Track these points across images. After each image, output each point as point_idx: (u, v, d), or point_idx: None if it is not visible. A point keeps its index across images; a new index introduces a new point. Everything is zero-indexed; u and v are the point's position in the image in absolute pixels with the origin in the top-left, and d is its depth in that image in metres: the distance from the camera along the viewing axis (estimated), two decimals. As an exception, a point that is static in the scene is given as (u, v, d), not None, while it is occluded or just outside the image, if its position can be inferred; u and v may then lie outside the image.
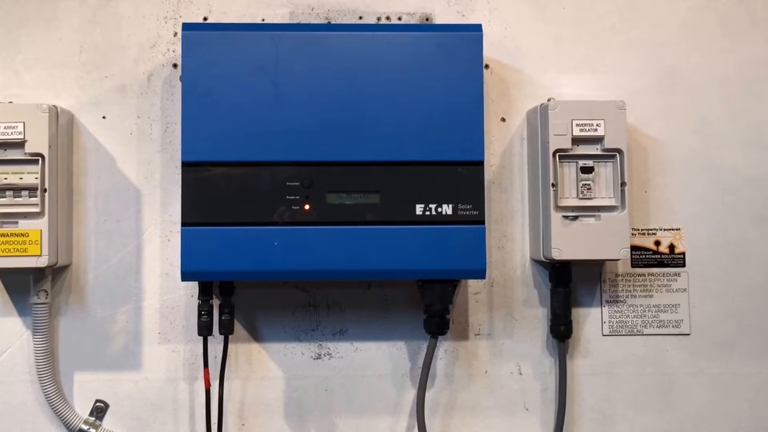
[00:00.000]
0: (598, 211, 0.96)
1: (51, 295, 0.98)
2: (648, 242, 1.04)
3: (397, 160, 0.93)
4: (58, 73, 1.01)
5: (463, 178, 0.92)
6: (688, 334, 1.04)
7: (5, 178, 0.93)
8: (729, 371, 1.04)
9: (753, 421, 1.04)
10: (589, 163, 0.96)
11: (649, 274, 1.04)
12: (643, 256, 1.04)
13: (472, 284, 1.03)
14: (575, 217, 0.95)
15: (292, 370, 1.01)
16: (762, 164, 1.05)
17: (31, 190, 0.93)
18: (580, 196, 0.96)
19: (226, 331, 0.97)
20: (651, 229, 1.04)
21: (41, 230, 0.92)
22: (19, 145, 0.93)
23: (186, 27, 0.92)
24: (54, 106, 0.95)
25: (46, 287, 0.97)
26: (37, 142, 0.93)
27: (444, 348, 1.02)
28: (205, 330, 0.96)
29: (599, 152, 0.96)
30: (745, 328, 1.04)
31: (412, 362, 1.02)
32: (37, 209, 0.93)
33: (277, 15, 1.03)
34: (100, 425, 1.00)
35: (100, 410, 1.00)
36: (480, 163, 0.93)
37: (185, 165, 0.91)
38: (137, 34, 1.02)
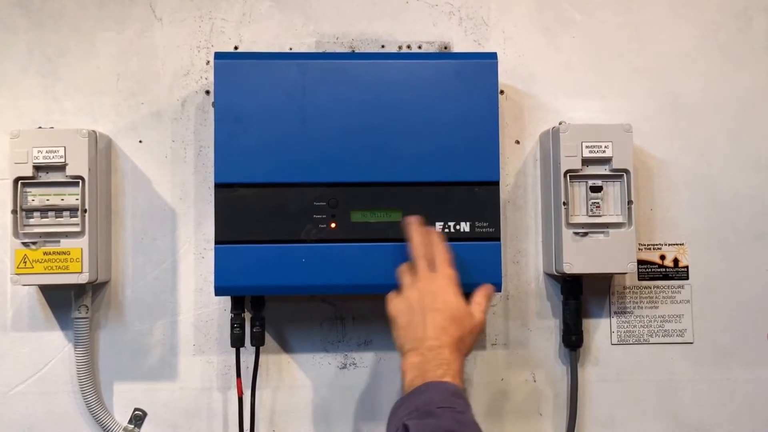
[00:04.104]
0: (607, 227, 0.99)
1: (91, 310, 1.01)
2: (654, 257, 1.07)
3: (418, 180, 0.95)
4: (96, 100, 1.04)
5: (480, 198, 0.95)
6: (692, 343, 1.07)
7: (48, 200, 0.96)
8: (729, 377, 1.07)
9: (752, 424, 1.07)
10: (598, 182, 0.99)
11: (654, 287, 1.07)
12: (649, 270, 1.07)
13: (489, 297, 1.07)
14: (585, 234, 0.98)
15: (320, 380, 1.04)
16: (759, 183, 1.08)
17: (72, 210, 0.96)
18: (590, 213, 0.99)
19: (258, 342, 1.00)
20: (656, 245, 1.07)
21: (82, 248, 0.95)
22: (61, 168, 0.95)
23: (218, 56, 0.95)
24: (93, 131, 0.98)
25: (87, 302, 1.00)
26: (78, 165, 0.95)
27: (462, 357, 1.06)
28: (237, 342, 0.98)
29: (607, 172, 0.99)
30: (744, 337, 1.07)
31: (433, 371, 1.06)
32: (77, 228, 0.95)
33: (304, 44, 1.05)
34: (138, 433, 1.02)
35: (138, 418, 1.02)
36: (496, 184, 0.95)
37: (218, 186, 0.93)
38: (172, 63, 1.04)
